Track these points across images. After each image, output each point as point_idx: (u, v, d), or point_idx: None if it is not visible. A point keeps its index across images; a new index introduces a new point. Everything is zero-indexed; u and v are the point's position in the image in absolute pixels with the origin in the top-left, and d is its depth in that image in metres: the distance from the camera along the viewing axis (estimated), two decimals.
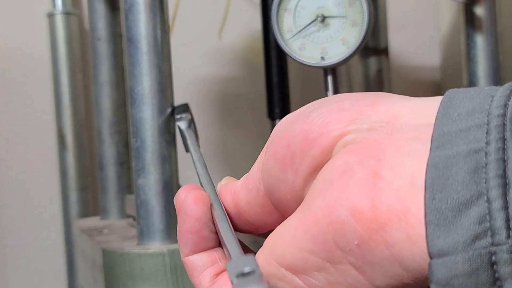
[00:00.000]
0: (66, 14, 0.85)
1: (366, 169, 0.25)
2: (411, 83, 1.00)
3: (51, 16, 0.85)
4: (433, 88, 1.01)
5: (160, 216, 0.53)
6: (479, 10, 0.63)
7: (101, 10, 0.75)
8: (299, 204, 0.28)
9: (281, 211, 0.31)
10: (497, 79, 0.64)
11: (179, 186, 0.55)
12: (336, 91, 0.61)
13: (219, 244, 0.33)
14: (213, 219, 0.32)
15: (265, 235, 0.34)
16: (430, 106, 0.26)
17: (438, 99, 0.26)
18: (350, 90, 0.87)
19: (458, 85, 0.70)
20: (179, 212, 0.33)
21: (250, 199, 0.32)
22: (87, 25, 0.84)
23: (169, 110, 0.54)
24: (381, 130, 0.26)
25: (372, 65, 0.79)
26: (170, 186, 0.53)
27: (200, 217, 0.32)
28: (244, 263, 0.26)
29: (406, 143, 0.25)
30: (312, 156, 0.28)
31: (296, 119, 0.29)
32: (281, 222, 0.32)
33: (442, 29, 0.99)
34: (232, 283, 0.25)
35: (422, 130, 0.25)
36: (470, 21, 0.64)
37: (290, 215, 0.30)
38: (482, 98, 0.25)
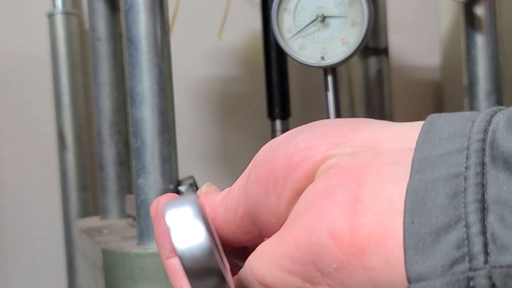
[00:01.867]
0: (66, 14, 0.85)
1: (347, 192, 0.25)
2: (411, 83, 1.00)
3: (51, 16, 0.85)
4: (433, 88, 1.01)
5: None
6: (479, 10, 0.63)
7: (101, 10, 0.75)
8: None
9: (265, 234, 0.31)
10: (497, 79, 0.64)
11: None
12: (336, 91, 0.61)
13: None
14: None
15: (235, 250, 0.34)
16: (412, 131, 0.26)
17: (420, 124, 0.26)
18: (350, 90, 0.87)
19: (458, 85, 0.71)
20: (154, 218, 0.33)
21: (227, 217, 0.32)
22: (87, 25, 0.84)
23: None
24: (363, 154, 0.26)
25: (372, 65, 0.79)
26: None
27: None
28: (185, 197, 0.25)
29: (388, 168, 0.25)
30: (294, 180, 0.27)
31: (279, 144, 0.29)
32: (255, 242, 0.32)
33: (442, 29, 0.99)
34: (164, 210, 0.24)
35: (403, 155, 0.25)
36: (470, 21, 0.64)
37: None
38: (463, 122, 0.25)
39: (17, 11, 0.89)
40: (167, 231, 0.32)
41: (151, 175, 0.53)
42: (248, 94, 0.94)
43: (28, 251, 0.89)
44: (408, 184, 0.24)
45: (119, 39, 0.76)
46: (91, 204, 0.86)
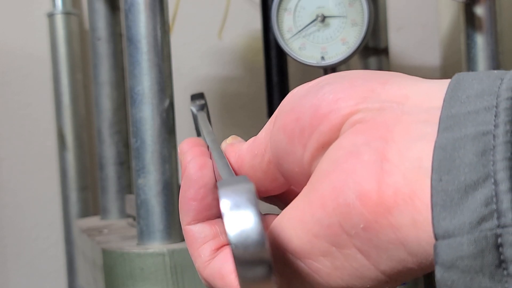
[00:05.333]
0: (66, 14, 0.85)
1: (373, 151, 0.25)
2: None
3: (51, 16, 0.85)
4: None
5: (160, 216, 0.53)
6: (479, 10, 0.63)
7: (101, 10, 0.75)
8: (307, 178, 0.28)
9: (289, 181, 0.31)
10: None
11: (179, 186, 0.55)
12: None
13: (219, 213, 0.33)
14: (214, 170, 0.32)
15: (264, 199, 0.35)
16: (441, 89, 0.26)
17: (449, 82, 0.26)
18: None
19: None
20: (182, 175, 0.33)
21: (254, 164, 0.32)
22: (87, 25, 0.84)
23: (167, 102, 0.54)
24: (390, 110, 0.26)
25: (372, 65, 0.79)
26: (170, 186, 0.53)
27: (205, 184, 0.32)
28: (236, 179, 0.25)
29: (416, 126, 0.25)
30: (320, 132, 0.27)
31: (307, 93, 0.29)
32: (281, 190, 0.33)
33: (442, 29, 0.99)
34: (219, 192, 0.24)
35: (432, 113, 0.25)
36: (470, 21, 0.64)
37: (297, 185, 0.30)
38: (492, 80, 0.25)
39: (17, 11, 0.89)
40: (195, 197, 0.32)
41: (151, 175, 0.53)
42: (248, 94, 0.94)
43: (28, 251, 0.89)
44: (436, 141, 0.24)
45: (119, 39, 0.76)
46: (91, 204, 0.86)
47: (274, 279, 0.24)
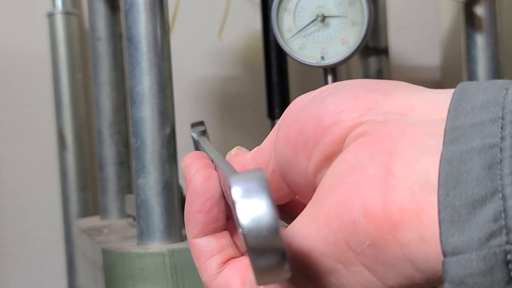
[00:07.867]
0: (66, 14, 0.85)
1: (377, 165, 0.25)
2: (411, 83, 1.00)
3: (51, 16, 0.85)
4: (433, 88, 1.01)
5: (160, 216, 0.53)
6: (479, 10, 0.63)
7: (101, 10, 0.75)
8: (312, 189, 0.28)
9: (294, 191, 0.31)
10: (497, 79, 0.64)
11: (179, 186, 0.55)
12: None
13: (226, 226, 0.33)
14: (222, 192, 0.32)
15: None
16: (447, 98, 0.25)
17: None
18: None
19: None
20: (187, 188, 0.33)
21: None
22: (87, 25, 0.84)
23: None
24: (394, 123, 0.25)
25: (372, 65, 0.79)
26: (170, 186, 0.53)
27: (211, 196, 0.32)
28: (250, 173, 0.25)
29: (421, 138, 0.24)
30: (324, 144, 0.27)
31: (310, 103, 0.28)
32: (286, 200, 0.32)
33: (442, 29, 0.99)
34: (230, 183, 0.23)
35: (438, 126, 0.24)
36: (470, 21, 0.64)
37: (302, 196, 0.30)
38: (496, 90, 0.24)
39: (17, 11, 0.89)
40: (201, 210, 0.32)
41: (151, 175, 0.53)
42: (248, 94, 0.94)
43: (28, 251, 0.89)
44: (442, 155, 0.23)
45: (119, 39, 0.76)
46: (91, 204, 0.86)
47: (288, 267, 0.23)
